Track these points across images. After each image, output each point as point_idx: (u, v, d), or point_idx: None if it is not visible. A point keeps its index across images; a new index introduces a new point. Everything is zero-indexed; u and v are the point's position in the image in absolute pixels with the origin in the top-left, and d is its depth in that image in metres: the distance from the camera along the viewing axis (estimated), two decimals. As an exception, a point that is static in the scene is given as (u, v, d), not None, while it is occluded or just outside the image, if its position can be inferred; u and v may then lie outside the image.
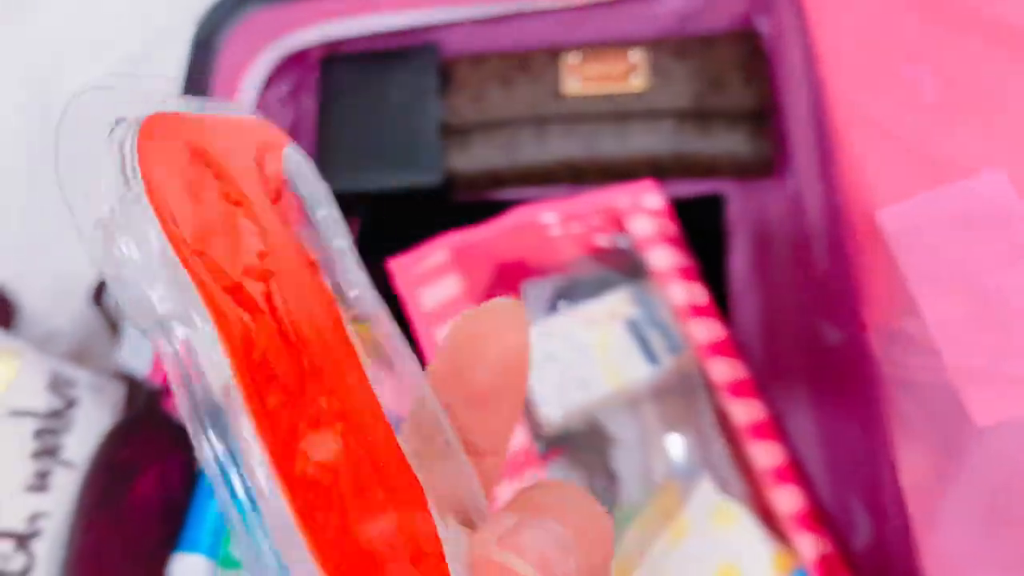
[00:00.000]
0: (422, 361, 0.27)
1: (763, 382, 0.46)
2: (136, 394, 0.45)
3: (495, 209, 0.51)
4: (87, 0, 0.67)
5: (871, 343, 0.41)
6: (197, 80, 0.52)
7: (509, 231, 0.48)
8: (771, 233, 0.52)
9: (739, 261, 0.53)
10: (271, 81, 0.56)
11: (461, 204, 0.56)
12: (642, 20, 0.55)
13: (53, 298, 0.57)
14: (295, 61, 0.56)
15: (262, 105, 0.55)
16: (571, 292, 0.47)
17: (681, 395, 0.43)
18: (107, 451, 0.40)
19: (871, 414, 0.41)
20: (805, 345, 0.49)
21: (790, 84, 0.51)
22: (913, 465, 0.38)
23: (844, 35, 0.44)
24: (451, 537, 0.15)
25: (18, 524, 0.38)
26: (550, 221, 0.48)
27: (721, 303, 0.49)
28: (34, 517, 0.39)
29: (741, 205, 0.54)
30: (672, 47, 0.53)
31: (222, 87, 0.52)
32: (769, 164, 0.52)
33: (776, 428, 0.43)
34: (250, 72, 0.53)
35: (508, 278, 0.49)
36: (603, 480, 0.44)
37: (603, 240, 0.48)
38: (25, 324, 0.56)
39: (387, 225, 0.55)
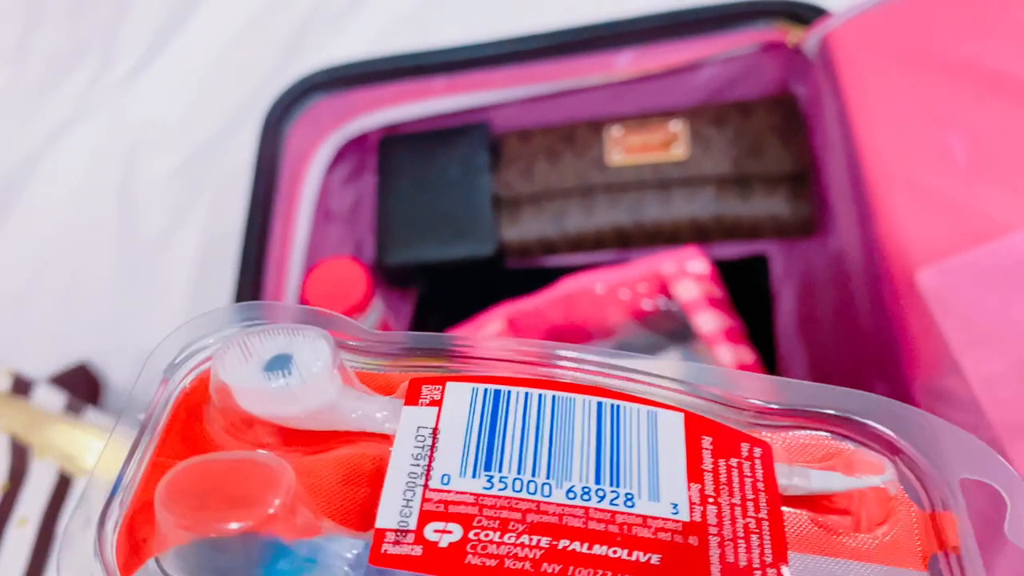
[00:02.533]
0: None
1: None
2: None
3: (546, 275, 0.53)
4: (164, 90, 0.72)
5: (916, 401, 0.42)
6: (267, 166, 0.56)
7: (559, 299, 0.50)
8: (816, 291, 0.54)
9: (786, 319, 0.54)
10: (334, 163, 0.59)
11: (513, 271, 0.58)
12: (681, 91, 0.57)
13: (136, 374, 0.60)
14: (355, 144, 0.60)
15: (326, 186, 0.59)
16: (622, 355, 0.49)
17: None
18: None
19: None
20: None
21: (827, 147, 0.53)
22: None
23: (877, 100, 0.46)
24: None
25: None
26: (599, 288, 0.50)
27: (769, 361, 0.51)
28: (128, 583, 0.42)
29: (785, 264, 0.55)
30: (711, 115, 0.56)
31: (290, 172, 0.56)
32: (810, 224, 0.54)
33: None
34: (316, 156, 0.57)
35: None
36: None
37: (650, 305, 0.50)
38: (110, 399, 0.60)
39: (444, 294, 0.58)
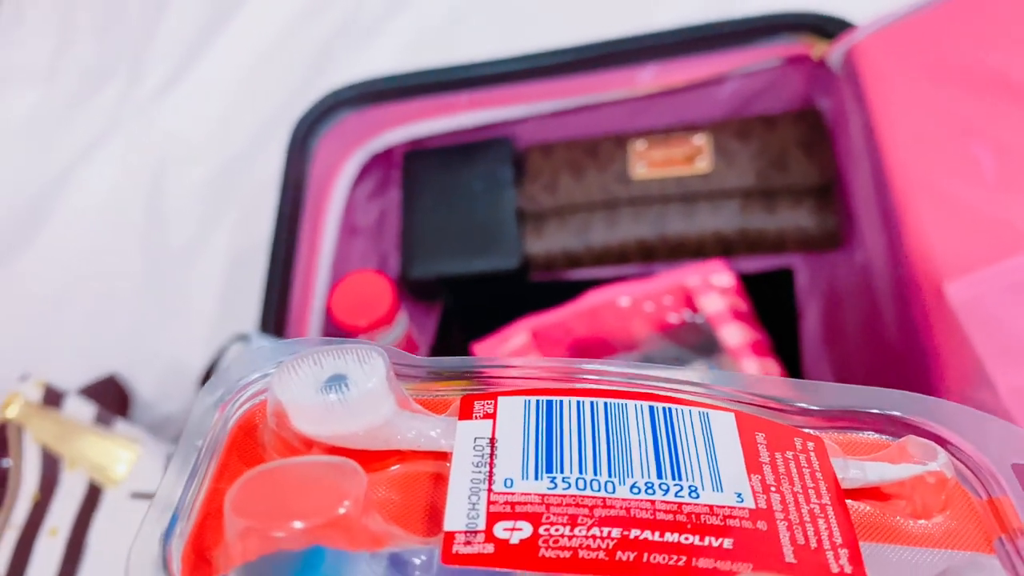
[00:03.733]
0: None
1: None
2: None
3: (570, 288, 0.54)
4: (192, 105, 0.74)
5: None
6: (294, 180, 0.57)
7: (585, 312, 0.50)
8: (842, 304, 0.53)
9: (811, 332, 0.54)
10: (359, 178, 0.60)
11: (538, 285, 0.59)
12: (705, 104, 0.57)
13: (164, 385, 0.61)
14: (380, 159, 0.61)
15: (352, 201, 0.59)
16: (647, 368, 0.49)
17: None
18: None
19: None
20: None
21: (852, 159, 0.53)
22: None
23: (903, 112, 0.46)
24: None
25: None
26: (624, 301, 0.50)
27: (795, 374, 0.51)
28: (157, 593, 0.42)
29: (810, 277, 0.55)
30: (735, 128, 0.56)
31: (316, 186, 0.57)
32: (835, 237, 0.53)
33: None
34: (342, 171, 0.58)
35: (585, 357, 0.51)
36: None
37: (676, 318, 0.50)
38: (139, 410, 0.61)
39: (469, 307, 0.58)
